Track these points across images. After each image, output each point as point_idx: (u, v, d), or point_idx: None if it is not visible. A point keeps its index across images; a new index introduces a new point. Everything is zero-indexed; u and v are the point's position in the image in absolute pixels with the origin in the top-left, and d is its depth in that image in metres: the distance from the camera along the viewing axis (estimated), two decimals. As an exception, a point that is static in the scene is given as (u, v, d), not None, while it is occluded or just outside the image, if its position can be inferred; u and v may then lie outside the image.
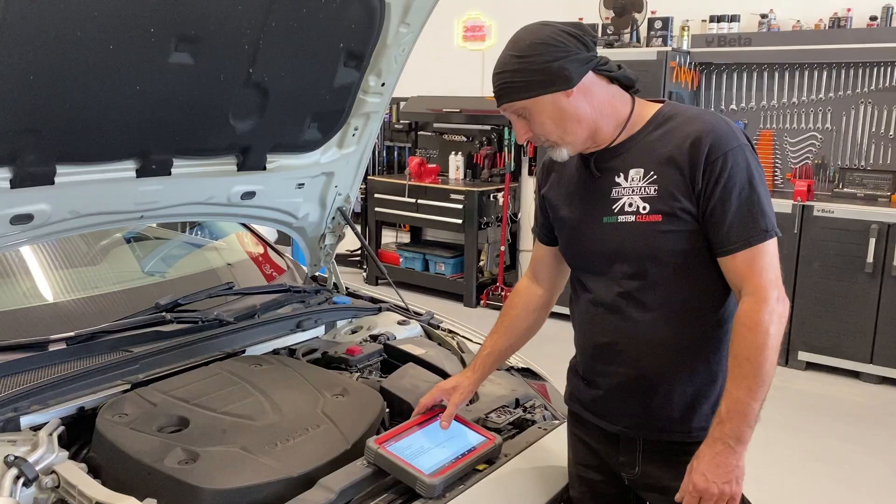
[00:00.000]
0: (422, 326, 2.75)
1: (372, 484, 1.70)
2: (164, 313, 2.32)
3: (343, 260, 8.13)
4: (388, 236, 7.93)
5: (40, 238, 2.08)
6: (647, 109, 1.74)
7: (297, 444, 1.78)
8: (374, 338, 2.55)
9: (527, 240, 7.07)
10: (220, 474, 1.63)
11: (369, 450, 1.72)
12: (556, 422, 2.14)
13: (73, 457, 1.78)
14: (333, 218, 2.91)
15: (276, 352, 2.39)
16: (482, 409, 2.10)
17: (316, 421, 1.88)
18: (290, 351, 2.39)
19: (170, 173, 2.21)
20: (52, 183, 1.94)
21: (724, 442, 1.56)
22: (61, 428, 1.80)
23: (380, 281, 7.63)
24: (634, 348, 1.72)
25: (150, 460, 1.65)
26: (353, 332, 2.65)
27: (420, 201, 7.04)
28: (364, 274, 7.74)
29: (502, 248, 6.96)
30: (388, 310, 2.83)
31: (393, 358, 2.47)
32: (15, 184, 1.86)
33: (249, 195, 2.53)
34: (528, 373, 2.52)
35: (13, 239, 2.00)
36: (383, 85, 2.54)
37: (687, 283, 1.68)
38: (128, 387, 2.02)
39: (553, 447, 2.03)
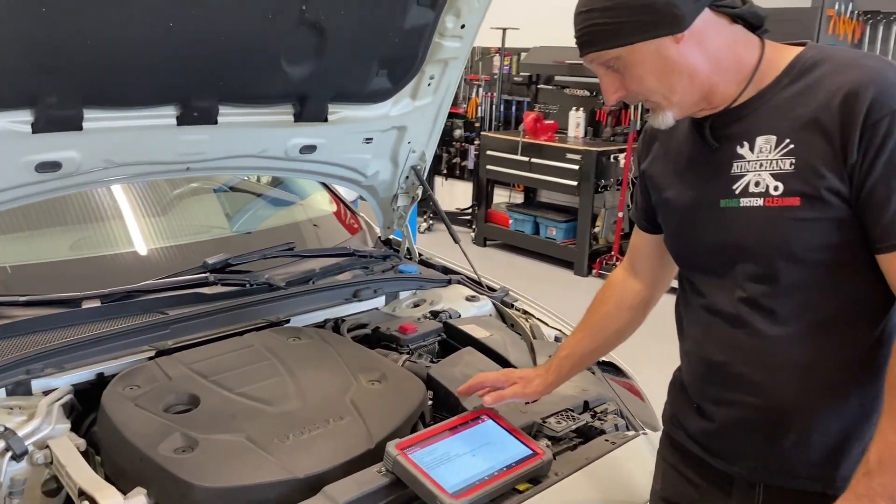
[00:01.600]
0: (493, 304, 2.45)
1: (386, 497, 1.45)
2: (207, 274, 2.15)
3: (452, 218, 7.91)
4: (500, 196, 7.61)
5: (73, 188, 1.94)
6: (783, 55, 1.30)
7: (311, 439, 1.55)
8: (435, 314, 2.28)
9: (648, 206, 6.54)
10: (215, 470, 1.43)
11: (388, 455, 1.46)
12: (631, 434, 1.80)
13: (83, 430, 1.65)
14: (407, 177, 2.64)
15: (324, 323, 2.17)
16: (540, 411, 1.79)
17: (340, 411, 1.65)
18: (337, 324, 2.17)
19: (216, 122, 2.01)
20: (80, 129, 1.78)
21: (871, 500, 1.17)
22: (69, 396, 1.66)
23: (488, 243, 7.36)
24: (762, 372, 1.33)
25: (144, 445, 1.47)
26: (416, 305, 2.40)
27: (534, 160, 6.65)
28: (473, 234, 7.49)
29: (620, 213, 6.47)
30: (459, 282, 2.55)
31: (453, 339, 2.20)
32: (37, 128, 1.72)
33: (309, 149, 2.30)
34: (609, 367, 2.18)
35: (42, 188, 1.86)
36: (463, 27, 2.22)
37: (834, 288, 1.27)
38: (152, 354, 1.86)
39: (623, 467, 1.70)
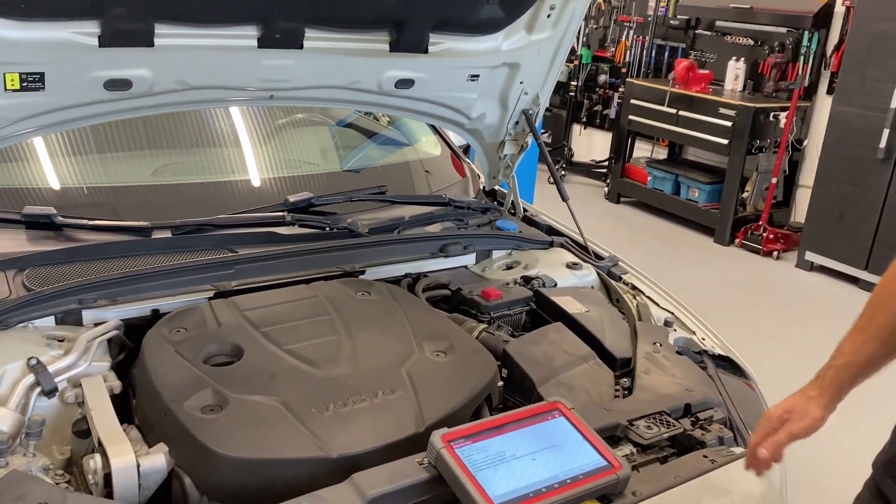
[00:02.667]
0: (598, 273, 2.16)
1: (423, 495, 1.25)
2: (284, 213, 1.99)
3: (586, 170, 7.49)
4: (642, 150, 7.09)
5: (146, 109, 1.82)
6: None
7: (353, 413, 1.37)
8: (528, 280, 2.02)
9: (809, 173, 5.84)
10: (240, 437, 1.27)
11: (432, 447, 1.25)
12: (738, 452, 1.48)
13: (126, 369, 1.55)
14: (517, 123, 2.36)
15: (401, 278, 1.97)
16: (629, 410, 1.51)
17: (393, 384, 1.45)
18: (415, 281, 1.96)
19: (301, 46, 1.83)
20: (151, 45, 1.65)
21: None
22: (115, 332, 1.57)
23: (622, 199, 6.92)
24: None
25: (171, 397, 1.34)
26: (509, 267, 2.15)
27: (682, 113, 6.09)
28: (606, 189, 7.05)
29: (774, 179, 5.83)
30: (563, 246, 2.26)
31: (543, 311, 1.94)
32: (104, 42, 1.59)
33: (406, 84, 2.08)
34: (726, 363, 1.85)
35: (113, 107, 1.75)
36: (592, -50, 1.88)
37: None
38: (211, 294, 1.73)
39: (721, 492, 1.40)
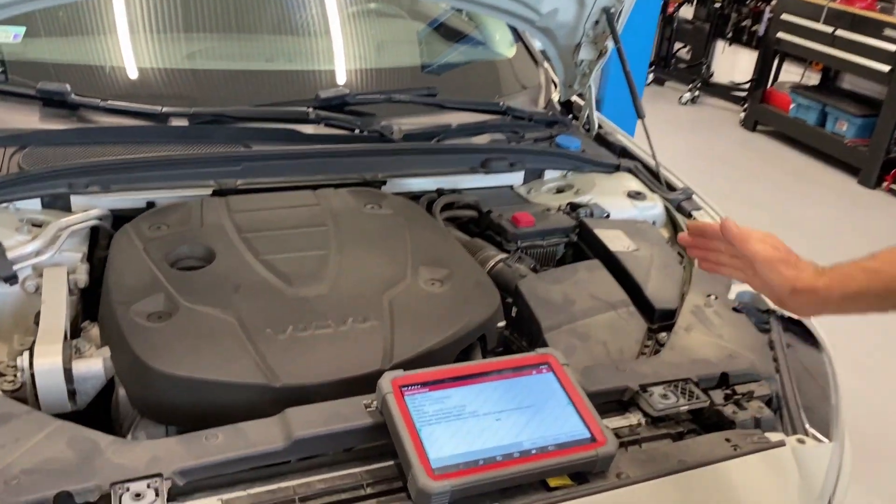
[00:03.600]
0: (665, 207, 1.85)
1: (360, 443, 1.08)
2: (309, 109, 1.81)
3: (723, 92, 6.81)
4: (790, 74, 6.32)
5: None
6: None
7: (313, 339, 1.20)
8: (575, 208, 1.76)
9: None
10: (179, 351, 1.14)
11: (379, 390, 1.07)
12: (772, 440, 1.21)
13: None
14: (596, 23, 2.03)
15: (426, 195, 1.76)
16: (647, 373, 1.26)
17: (368, 311, 1.27)
18: (438, 196, 1.74)
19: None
20: None
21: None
22: (92, 222, 1.47)
23: (758, 127, 6.25)
24: None
25: (120, 299, 1.23)
26: (559, 191, 1.88)
27: (839, 33, 5.32)
28: (742, 115, 6.38)
29: (943, 117, 5.03)
30: (630, 171, 1.96)
31: (586, 245, 1.68)
32: None
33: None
34: (796, 327, 1.53)
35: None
36: None
37: None
38: (210, 192, 1.60)
39: (735, 490, 1.14)
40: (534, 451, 1.04)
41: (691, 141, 5.81)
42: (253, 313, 1.23)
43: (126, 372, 1.16)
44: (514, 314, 1.43)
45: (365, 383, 1.14)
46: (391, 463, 1.07)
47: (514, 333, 1.43)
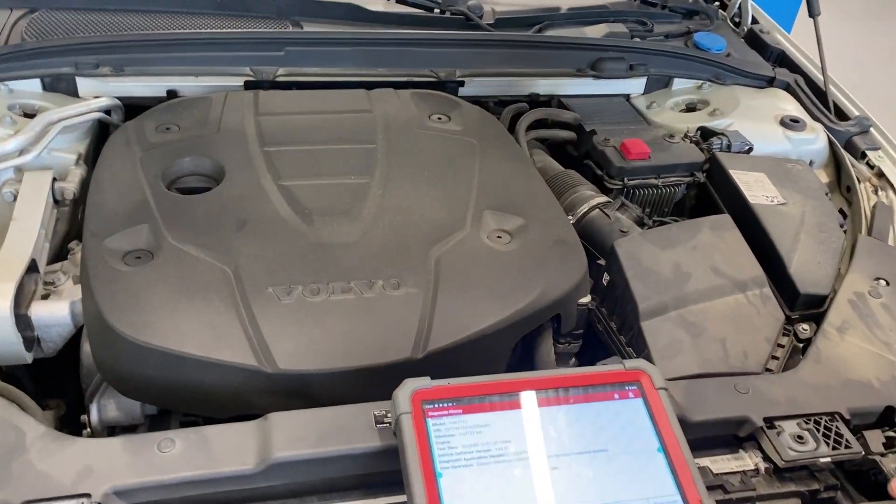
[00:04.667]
0: (830, 142, 1.40)
1: (362, 471, 0.80)
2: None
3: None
4: None
5: None
6: None
7: (327, 308, 0.91)
8: (707, 136, 1.34)
9: None
10: (148, 310, 0.88)
11: (395, 404, 0.77)
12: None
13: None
14: None
15: (514, 103, 1.38)
16: (777, 397, 0.91)
17: (405, 274, 0.95)
18: (530, 104, 1.36)
19: None
20: None
21: None
22: (97, 114, 1.20)
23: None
24: None
25: (94, 228, 0.97)
26: (690, 108, 1.46)
27: None
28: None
29: None
30: (787, 88, 1.50)
31: (716, 189, 1.28)
32: None
33: None
34: None
35: None
36: None
37: None
38: (245, 79, 1.29)
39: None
40: (595, 524, 0.73)
41: (870, 38, 4.89)
42: (255, 262, 0.94)
43: (90, 325, 0.92)
44: (605, 282, 1.09)
45: (389, 377, 0.85)
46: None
47: (603, 309, 1.08)
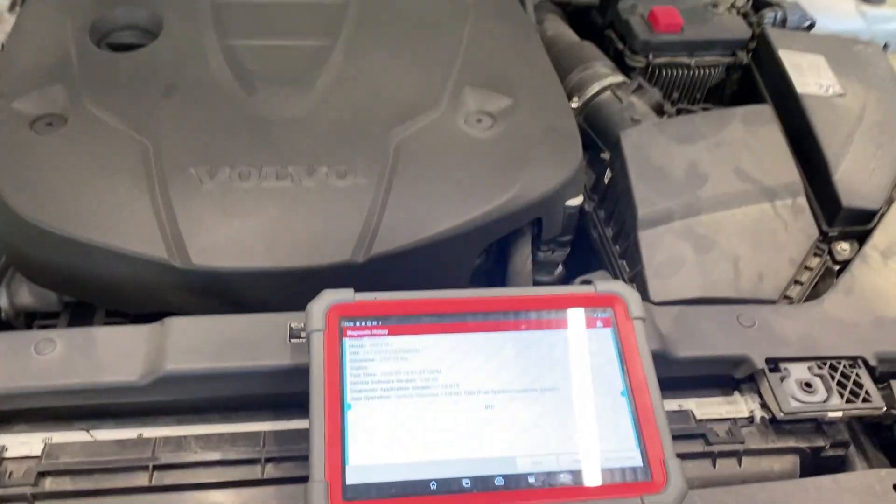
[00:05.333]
0: (913, 21, 1.15)
1: (269, 388, 0.69)
2: None
3: None
4: None
5: None
6: None
7: (257, 196, 0.77)
8: (760, 7, 1.10)
9: None
10: (50, 189, 0.76)
11: (309, 318, 0.64)
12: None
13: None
14: None
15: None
16: (786, 335, 0.75)
17: (356, 161, 0.80)
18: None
19: None
20: None
21: None
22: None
23: None
24: None
25: (6, 87, 0.84)
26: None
27: None
28: None
29: None
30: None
31: (761, 73, 1.06)
32: None
33: None
34: None
35: None
36: None
37: None
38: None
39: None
40: (533, 482, 0.61)
41: None
42: (179, 136, 0.80)
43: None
44: (606, 180, 0.92)
45: (323, 283, 0.72)
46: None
47: (601, 212, 0.92)
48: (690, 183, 0.88)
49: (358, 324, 0.64)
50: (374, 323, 0.65)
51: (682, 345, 0.72)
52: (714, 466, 0.71)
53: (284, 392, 0.68)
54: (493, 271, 0.89)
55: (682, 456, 0.62)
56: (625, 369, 0.65)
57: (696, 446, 0.71)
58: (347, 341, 0.63)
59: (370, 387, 0.62)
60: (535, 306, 0.67)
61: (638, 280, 0.83)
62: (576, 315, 0.67)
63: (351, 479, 0.58)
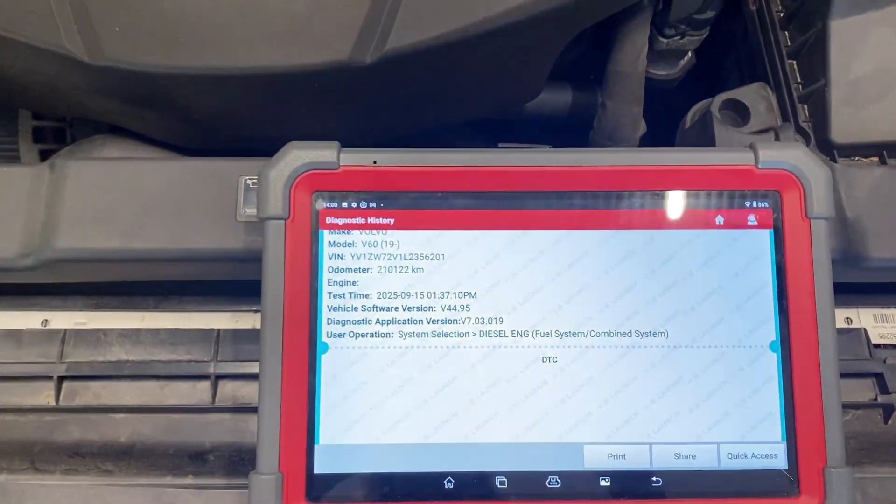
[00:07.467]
0: None
1: (209, 274, 0.46)
2: None
3: None
4: None
5: None
6: None
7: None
8: None
9: None
10: None
11: (260, 201, 0.39)
12: None
13: None
14: None
15: None
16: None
17: None
18: None
19: None
20: None
21: None
22: None
23: None
24: None
25: None
26: None
27: None
28: None
29: None
30: None
31: None
32: None
33: None
34: None
35: None
36: None
37: None
38: None
39: None
40: (607, 486, 0.38)
41: None
42: None
43: None
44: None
45: (302, 98, 0.46)
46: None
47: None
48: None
49: (344, 205, 0.39)
50: (372, 206, 0.39)
51: (882, 238, 0.44)
52: (886, 422, 0.47)
53: (240, 280, 0.45)
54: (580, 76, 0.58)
55: (846, 406, 0.39)
56: (783, 305, 0.39)
57: (866, 392, 0.46)
58: (326, 236, 0.38)
59: (360, 316, 0.38)
60: (641, 185, 0.39)
61: (814, 104, 0.51)
62: (709, 204, 0.39)
63: (321, 468, 0.37)
